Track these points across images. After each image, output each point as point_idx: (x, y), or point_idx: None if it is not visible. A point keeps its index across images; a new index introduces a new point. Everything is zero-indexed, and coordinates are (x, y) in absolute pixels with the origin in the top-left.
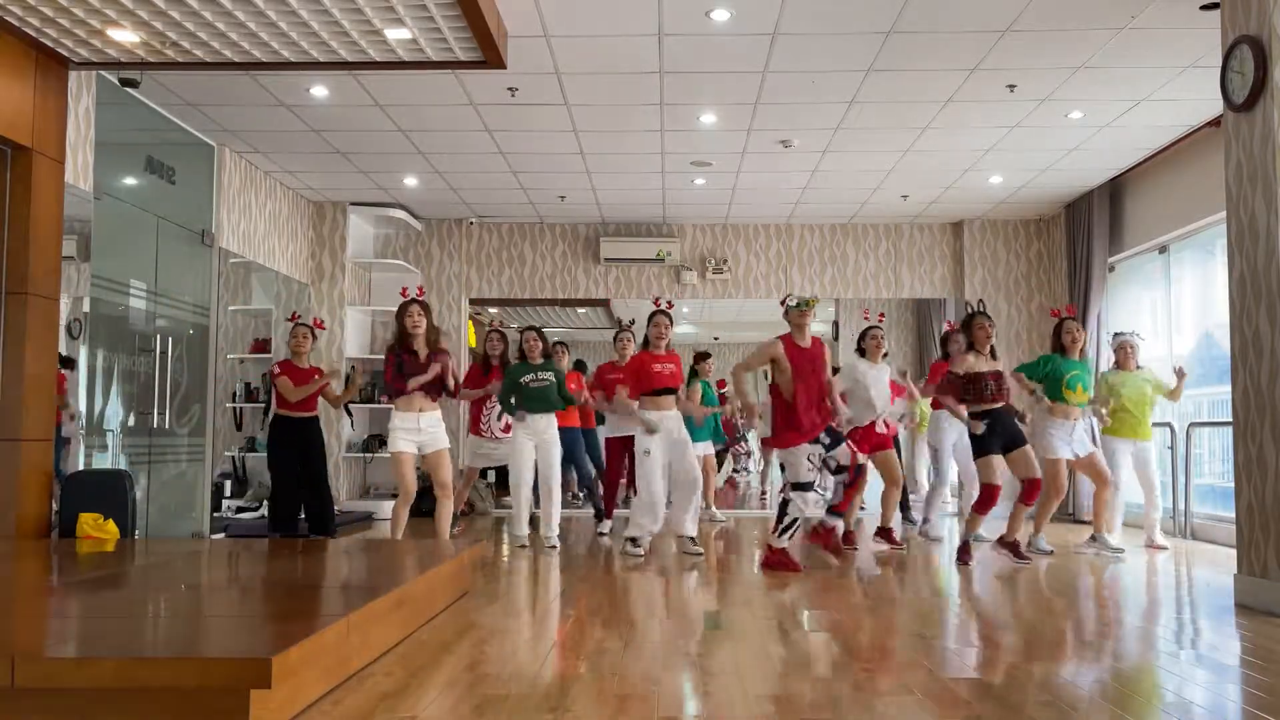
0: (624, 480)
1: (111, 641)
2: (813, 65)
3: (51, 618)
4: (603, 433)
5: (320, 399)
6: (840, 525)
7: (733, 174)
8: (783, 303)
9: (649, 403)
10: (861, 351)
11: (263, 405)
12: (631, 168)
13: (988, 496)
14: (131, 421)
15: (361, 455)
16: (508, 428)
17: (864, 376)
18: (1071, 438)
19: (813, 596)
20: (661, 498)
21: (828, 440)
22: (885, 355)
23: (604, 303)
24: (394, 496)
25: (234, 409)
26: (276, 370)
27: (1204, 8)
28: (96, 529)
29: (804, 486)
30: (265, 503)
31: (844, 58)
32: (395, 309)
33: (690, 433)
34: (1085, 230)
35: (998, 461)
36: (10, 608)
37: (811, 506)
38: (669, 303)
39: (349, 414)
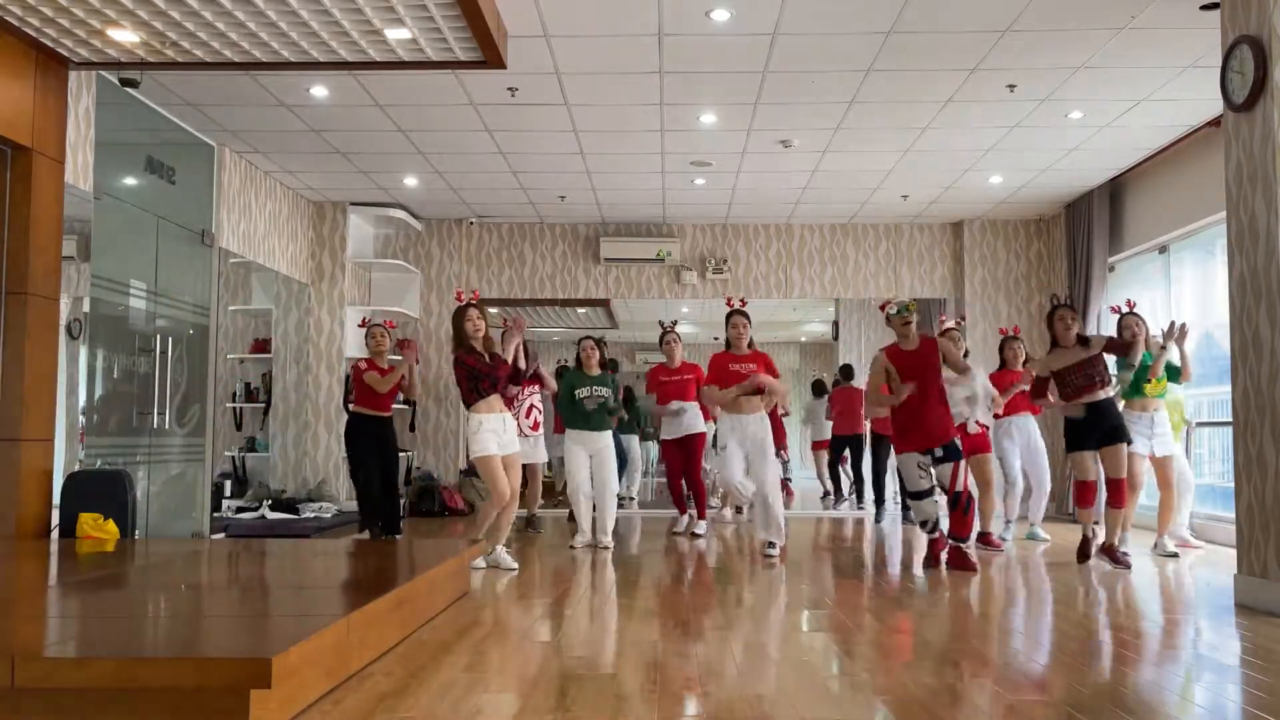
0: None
1: (111, 641)
2: (813, 65)
3: (51, 618)
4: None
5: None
6: (964, 545)
7: (733, 174)
8: (882, 308)
9: (729, 404)
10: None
11: (263, 405)
12: (631, 168)
13: (1081, 493)
14: (132, 421)
15: None
16: (536, 425)
17: (947, 382)
18: (1152, 432)
19: (814, 596)
20: (739, 480)
21: (940, 454)
22: (966, 354)
23: (604, 303)
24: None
25: (234, 409)
26: (364, 365)
27: (1204, 8)
28: (96, 529)
29: (919, 495)
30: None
31: (844, 58)
32: (394, 312)
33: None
34: (1085, 230)
35: (1089, 458)
36: (10, 608)
37: (930, 508)
38: (742, 300)
39: (349, 414)
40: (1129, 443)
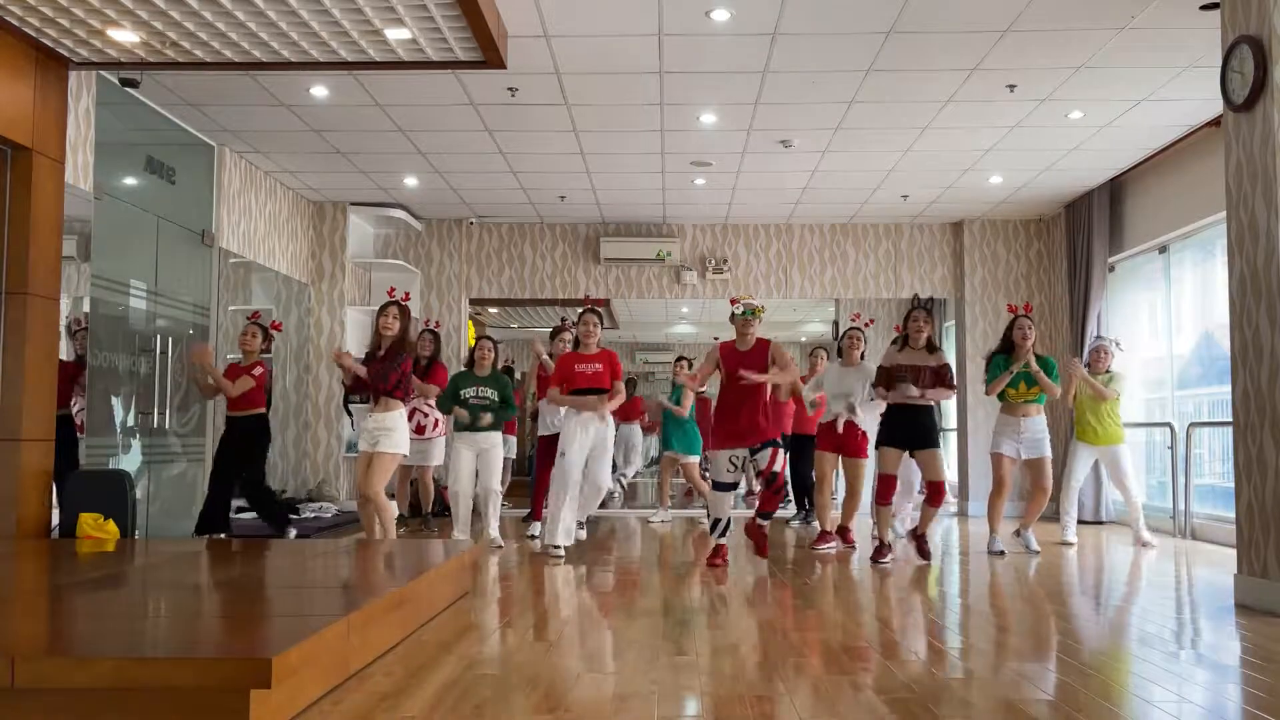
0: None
1: (111, 641)
2: (813, 65)
3: (51, 618)
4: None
5: (260, 394)
6: (765, 524)
7: (733, 174)
8: (732, 302)
9: (576, 403)
10: (840, 352)
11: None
12: (631, 168)
13: (882, 487)
14: (132, 421)
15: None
16: (436, 424)
17: (829, 376)
18: (1020, 437)
19: (812, 596)
20: (568, 495)
21: (758, 445)
22: (863, 356)
23: (604, 303)
24: (390, 497)
25: None
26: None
27: (1204, 8)
28: (96, 529)
29: (724, 487)
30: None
31: (844, 58)
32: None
33: (690, 443)
34: (1085, 230)
35: (894, 454)
36: (10, 608)
37: (726, 507)
38: (602, 300)
39: (349, 414)
40: (937, 447)
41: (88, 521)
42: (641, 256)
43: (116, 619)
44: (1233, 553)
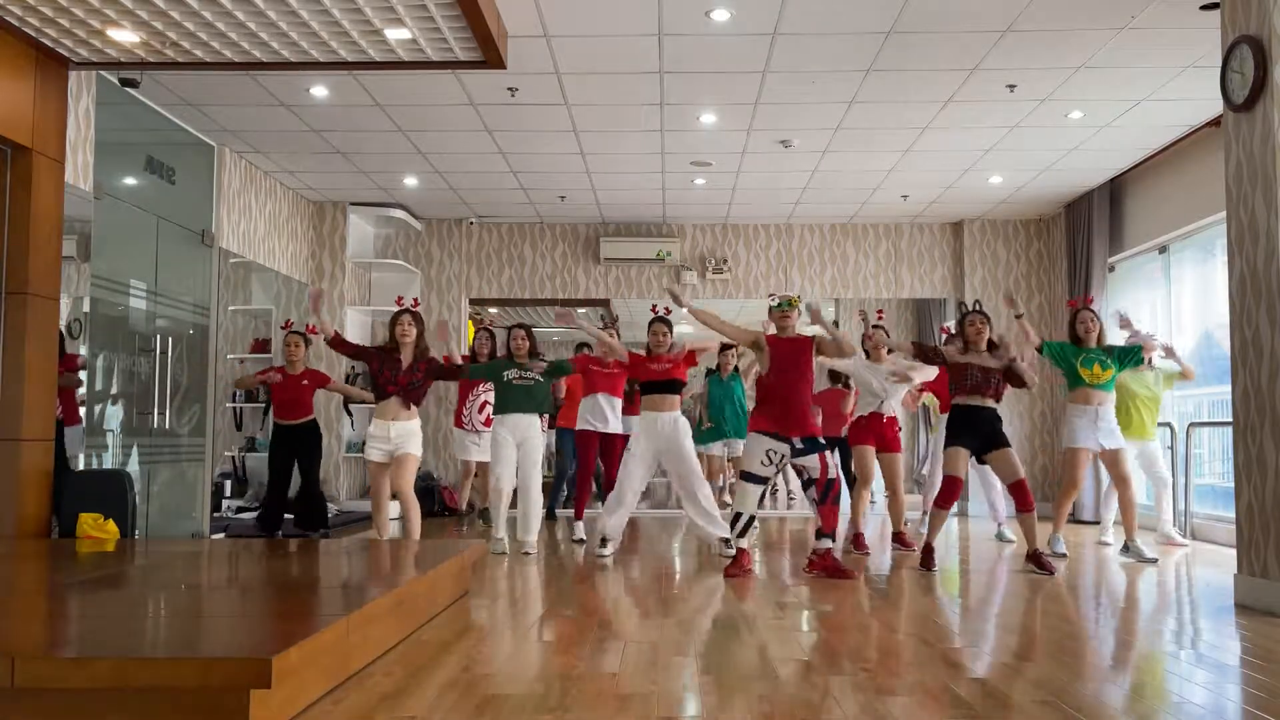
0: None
1: (111, 641)
2: (813, 65)
3: (51, 618)
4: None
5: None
6: (830, 545)
7: (733, 174)
8: (770, 297)
9: (645, 401)
10: (866, 354)
11: (262, 405)
12: (631, 168)
13: (948, 489)
14: (132, 421)
15: (361, 455)
16: (488, 421)
17: (863, 369)
18: (1096, 427)
19: (813, 597)
20: (630, 498)
21: (801, 445)
22: (890, 352)
23: (604, 303)
24: (392, 497)
25: (234, 409)
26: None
27: (1204, 8)
28: (96, 529)
29: (753, 478)
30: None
31: (844, 58)
32: (395, 310)
33: (695, 435)
34: (1085, 230)
35: (963, 455)
36: (10, 608)
37: (753, 502)
38: (666, 309)
39: (349, 414)
40: (1008, 446)
41: (88, 521)
42: (641, 256)
43: (116, 619)
44: (1233, 553)
